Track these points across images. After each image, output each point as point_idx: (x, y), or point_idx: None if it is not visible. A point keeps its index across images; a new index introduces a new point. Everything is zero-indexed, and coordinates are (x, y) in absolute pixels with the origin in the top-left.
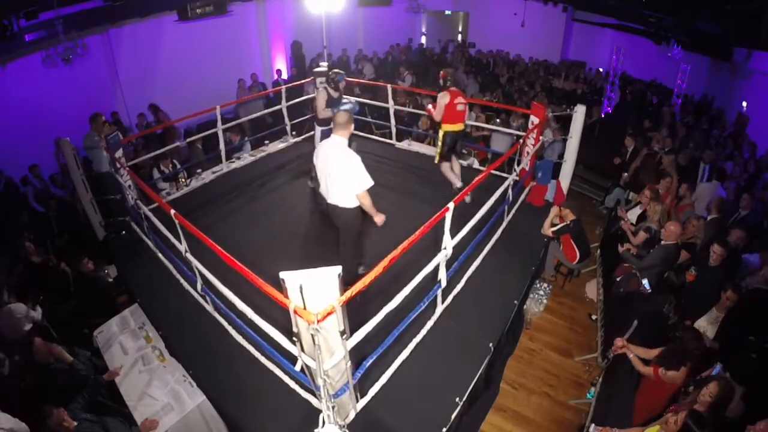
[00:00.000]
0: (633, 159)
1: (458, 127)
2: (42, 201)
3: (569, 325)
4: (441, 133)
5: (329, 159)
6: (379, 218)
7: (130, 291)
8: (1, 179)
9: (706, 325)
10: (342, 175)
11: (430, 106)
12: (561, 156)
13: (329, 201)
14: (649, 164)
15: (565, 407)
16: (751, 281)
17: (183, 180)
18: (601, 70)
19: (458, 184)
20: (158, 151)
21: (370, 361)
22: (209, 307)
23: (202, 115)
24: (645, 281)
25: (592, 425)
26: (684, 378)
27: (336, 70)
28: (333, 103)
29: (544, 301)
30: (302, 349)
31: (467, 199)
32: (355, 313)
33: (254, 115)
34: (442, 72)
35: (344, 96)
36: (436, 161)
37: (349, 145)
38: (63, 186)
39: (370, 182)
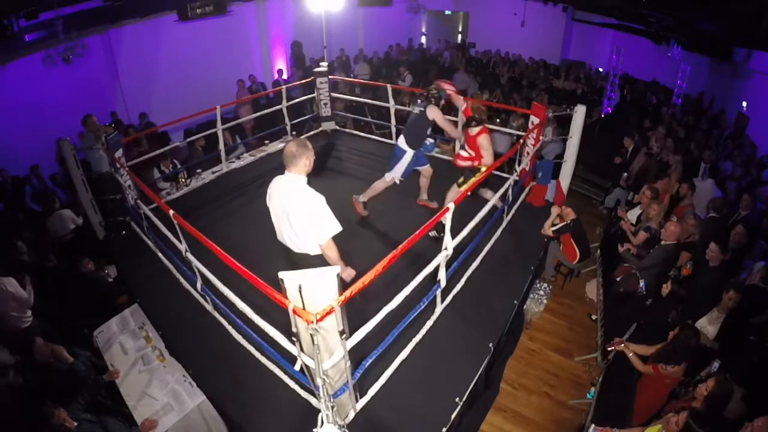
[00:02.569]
0: (633, 159)
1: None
2: (40, 201)
3: (569, 325)
4: (482, 169)
5: (290, 202)
6: (346, 273)
7: (130, 291)
8: (6, 178)
9: (706, 325)
10: (306, 220)
11: (465, 152)
12: (557, 156)
13: (296, 250)
14: (649, 164)
15: (565, 407)
16: (750, 278)
17: (183, 180)
18: (601, 70)
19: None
20: (157, 151)
21: (370, 361)
22: (209, 307)
23: (202, 115)
24: (642, 282)
25: (592, 425)
26: (683, 373)
27: (437, 84)
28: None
29: (544, 301)
30: (301, 349)
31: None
32: (355, 313)
33: (255, 115)
34: (464, 108)
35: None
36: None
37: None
38: (62, 187)
39: (337, 228)
